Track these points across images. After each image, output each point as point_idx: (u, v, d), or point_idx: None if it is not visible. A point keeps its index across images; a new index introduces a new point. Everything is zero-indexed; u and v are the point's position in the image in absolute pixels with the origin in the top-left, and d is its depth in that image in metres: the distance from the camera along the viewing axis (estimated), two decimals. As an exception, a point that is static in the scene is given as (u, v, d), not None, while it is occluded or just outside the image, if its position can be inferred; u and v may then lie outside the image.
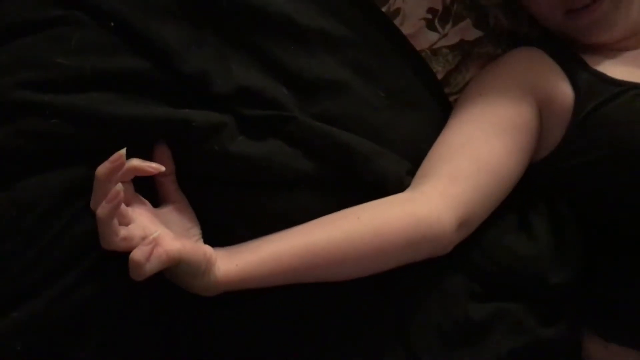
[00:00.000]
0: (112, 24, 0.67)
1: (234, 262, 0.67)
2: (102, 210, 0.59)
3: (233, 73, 0.71)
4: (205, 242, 0.69)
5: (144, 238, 0.61)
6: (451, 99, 0.91)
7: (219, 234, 0.71)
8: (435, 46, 0.90)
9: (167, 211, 0.68)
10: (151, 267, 0.60)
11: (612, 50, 0.87)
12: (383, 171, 0.76)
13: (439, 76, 0.90)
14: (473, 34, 0.93)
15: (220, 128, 0.69)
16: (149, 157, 0.66)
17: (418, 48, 0.88)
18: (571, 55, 0.86)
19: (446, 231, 0.74)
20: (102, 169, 0.60)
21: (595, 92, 0.80)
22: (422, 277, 0.75)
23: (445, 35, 0.91)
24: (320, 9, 0.79)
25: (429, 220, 0.72)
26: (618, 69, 0.83)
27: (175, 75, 0.69)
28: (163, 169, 0.65)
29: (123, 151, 0.60)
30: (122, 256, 0.61)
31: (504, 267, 0.78)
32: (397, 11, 0.87)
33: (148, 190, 0.68)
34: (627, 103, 0.78)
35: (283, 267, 0.68)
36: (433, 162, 0.79)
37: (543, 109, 0.82)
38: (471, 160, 0.78)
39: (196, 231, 0.69)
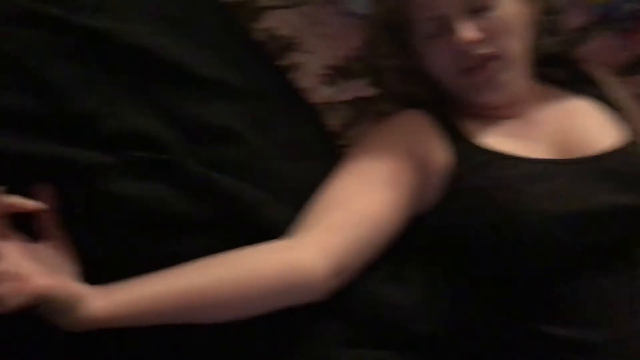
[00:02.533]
0: (4, 61, 0.69)
1: (108, 301, 0.69)
2: None
3: (123, 115, 0.74)
4: (87, 279, 0.71)
5: (13, 273, 0.62)
6: (343, 151, 0.96)
7: (97, 271, 0.72)
8: (331, 101, 0.96)
9: (44, 247, 0.69)
10: (15, 302, 0.61)
11: (493, 117, 0.95)
12: (268, 219, 0.80)
13: (334, 129, 0.96)
14: (369, 91, 1.00)
15: (105, 169, 0.72)
16: (31, 193, 0.68)
17: (315, 102, 0.94)
18: (454, 122, 0.93)
19: (320, 279, 0.77)
20: None
21: (470, 159, 0.87)
22: (296, 321, 0.79)
23: (341, 91, 0.97)
24: (220, 60, 0.83)
25: (303, 268, 0.76)
26: (495, 139, 0.90)
27: (64, 115, 0.71)
28: (42, 207, 0.67)
29: (2, 188, 0.62)
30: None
31: (376, 315, 0.83)
32: (296, 66, 0.92)
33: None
34: (494, 171, 0.85)
35: (158, 309, 0.71)
36: (315, 212, 0.83)
37: (422, 170, 0.88)
38: (350, 212, 0.83)
39: (72, 268, 0.71)
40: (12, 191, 0.64)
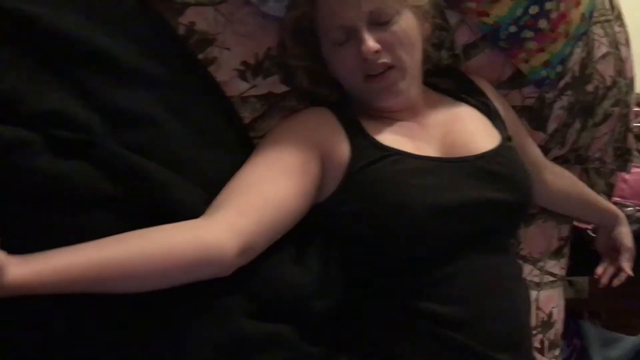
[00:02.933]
0: None
1: (26, 269, 0.72)
2: None
3: (45, 96, 0.78)
4: (6, 249, 0.74)
5: None
6: (255, 142, 1.03)
7: (17, 243, 0.75)
8: (244, 94, 1.02)
9: (-37, 218, 0.72)
10: None
11: (390, 119, 1.05)
12: (179, 199, 0.86)
13: (246, 121, 1.03)
14: (280, 88, 1.06)
15: (26, 144, 0.75)
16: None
17: (229, 94, 1.00)
18: (355, 121, 1.02)
19: (228, 256, 0.84)
20: None
21: (366, 154, 0.97)
22: (201, 294, 0.85)
23: (254, 86, 1.03)
24: (140, 50, 0.88)
25: (213, 245, 0.83)
26: (389, 137, 1.01)
27: (-13, 92, 0.74)
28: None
29: None
30: None
31: (277, 291, 0.91)
32: (213, 60, 0.98)
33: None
34: (384, 166, 0.95)
35: (73, 278, 0.74)
36: (226, 195, 0.90)
37: (324, 162, 0.97)
38: (259, 196, 0.90)
39: (-9, 238, 0.74)
40: None
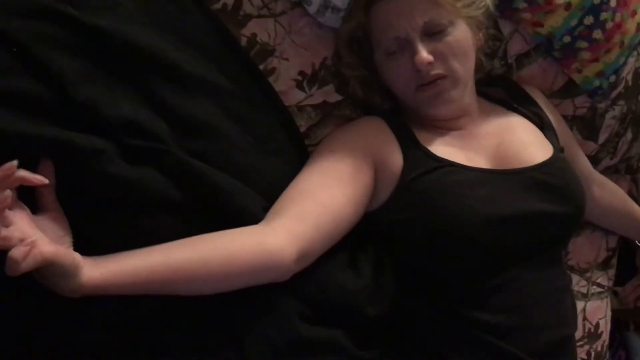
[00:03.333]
0: (15, 49, 0.76)
1: (99, 271, 0.76)
2: None
3: (120, 106, 0.82)
4: (75, 250, 0.78)
5: (21, 240, 0.69)
6: (310, 149, 1.06)
7: (89, 245, 0.79)
8: (301, 104, 1.05)
9: (44, 218, 0.76)
10: (26, 265, 0.68)
11: (442, 128, 1.07)
12: (241, 206, 0.89)
13: (302, 129, 1.06)
14: (334, 97, 1.09)
15: (101, 151, 0.79)
16: (33, 169, 0.75)
17: (287, 104, 1.03)
18: (407, 130, 1.04)
19: (287, 262, 0.87)
20: None
21: (419, 164, 0.99)
22: (260, 298, 0.88)
23: (310, 96, 1.06)
24: (205, 61, 0.92)
25: (274, 251, 0.86)
26: (442, 148, 1.02)
27: (67, 102, 0.78)
28: (46, 181, 0.74)
29: (15, 162, 0.68)
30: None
31: (331, 296, 0.93)
32: (273, 70, 1.02)
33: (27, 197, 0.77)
34: (438, 176, 0.97)
35: (141, 280, 0.78)
36: (284, 202, 0.94)
37: (377, 171, 1.00)
38: (316, 204, 0.93)
39: (68, 239, 0.78)
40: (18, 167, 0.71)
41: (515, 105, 1.16)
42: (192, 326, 0.85)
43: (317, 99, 1.07)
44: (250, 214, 0.90)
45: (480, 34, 1.09)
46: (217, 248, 0.84)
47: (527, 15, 1.17)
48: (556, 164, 1.04)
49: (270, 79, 1.01)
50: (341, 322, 0.94)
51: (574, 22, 1.19)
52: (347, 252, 0.98)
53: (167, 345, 0.84)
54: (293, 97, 1.04)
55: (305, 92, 1.05)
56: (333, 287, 0.93)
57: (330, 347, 0.91)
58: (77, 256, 0.75)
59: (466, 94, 1.06)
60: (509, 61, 1.22)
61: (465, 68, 1.04)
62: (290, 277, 0.90)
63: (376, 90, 1.10)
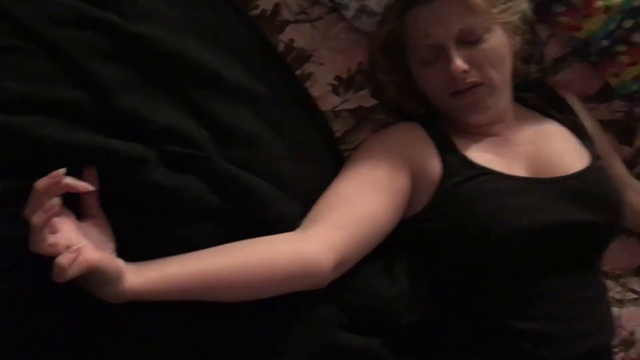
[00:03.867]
0: (61, 58, 0.77)
1: (141, 277, 0.77)
2: (37, 218, 0.68)
3: (162, 114, 0.82)
4: (118, 255, 0.79)
5: (68, 246, 0.70)
6: (345, 154, 1.06)
7: (131, 251, 0.80)
8: (336, 108, 1.06)
9: (88, 225, 0.77)
10: (72, 272, 0.69)
11: (478, 134, 1.05)
12: (279, 213, 0.89)
13: (337, 134, 1.06)
14: (370, 102, 1.09)
15: (144, 159, 0.80)
16: (78, 177, 0.76)
17: (323, 109, 1.03)
18: (445, 136, 1.03)
19: (324, 270, 0.88)
20: (41, 183, 0.69)
21: (457, 172, 0.97)
22: (297, 304, 0.88)
23: (346, 100, 1.06)
24: (244, 68, 0.92)
25: (312, 259, 0.86)
26: (480, 155, 1.01)
27: (110, 110, 0.79)
28: (92, 188, 0.75)
29: (62, 170, 0.70)
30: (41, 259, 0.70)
31: (367, 303, 0.93)
32: (309, 75, 1.02)
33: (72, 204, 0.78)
34: (477, 185, 0.96)
35: (181, 287, 0.79)
36: (321, 209, 0.94)
37: (415, 178, 0.99)
38: (352, 211, 0.93)
39: (111, 245, 0.79)
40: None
41: (551, 111, 1.14)
42: (229, 332, 0.85)
43: (352, 103, 1.07)
44: (287, 221, 0.90)
45: (517, 39, 1.07)
46: (256, 255, 0.84)
47: (565, 19, 1.16)
48: (594, 173, 1.02)
49: (307, 84, 1.01)
50: (377, 329, 0.94)
51: (612, 26, 1.17)
52: (382, 259, 0.98)
53: (203, 351, 0.85)
54: (329, 102, 1.04)
55: (340, 97, 1.05)
56: (369, 294, 0.93)
57: (367, 354, 0.91)
58: (120, 262, 0.76)
59: (502, 101, 1.05)
60: (545, 65, 1.20)
61: (501, 75, 1.02)
62: (327, 284, 0.90)
63: (412, 95, 1.09)
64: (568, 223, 0.95)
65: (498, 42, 1.01)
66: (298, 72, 1.00)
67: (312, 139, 1.00)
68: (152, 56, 0.83)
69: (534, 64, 1.19)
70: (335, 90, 1.04)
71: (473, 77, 0.99)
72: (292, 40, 0.99)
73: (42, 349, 0.78)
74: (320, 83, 1.03)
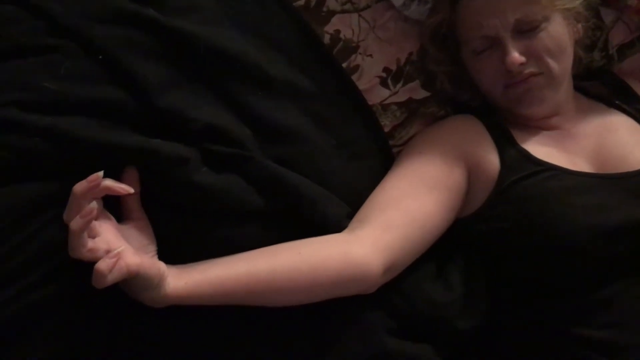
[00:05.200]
0: (101, 57, 0.75)
1: (183, 280, 0.75)
2: (75, 223, 0.66)
3: (204, 112, 0.79)
4: (159, 258, 0.77)
5: (107, 251, 0.68)
6: (395, 150, 1.01)
7: (173, 253, 0.78)
8: (385, 102, 1.00)
9: (129, 227, 0.75)
10: (113, 277, 0.67)
11: (538, 128, 0.99)
12: (325, 213, 0.85)
13: (386, 129, 1.01)
14: (421, 94, 1.03)
15: (186, 159, 0.77)
16: (118, 178, 0.74)
17: (370, 102, 0.98)
18: (503, 129, 0.97)
19: (374, 273, 0.83)
20: (79, 186, 0.67)
21: (517, 167, 0.91)
22: (345, 309, 0.85)
23: (395, 93, 1.01)
24: (288, 62, 0.88)
25: (361, 262, 0.82)
26: (540, 149, 0.94)
27: (151, 109, 0.77)
28: (132, 191, 0.72)
29: (101, 173, 0.67)
30: (81, 264, 0.68)
31: (419, 310, 0.89)
32: (356, 68, 0.97)
33: (113, 206, 0.76)
34: (540, 182, 0.89)
35: (226, 290, 0.76)
36: (370, 209, 0.89)
37: (471, 174, 0.93)
38: (403, 212, 0.88)
39: (152, 248, 0.77)
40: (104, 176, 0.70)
41: (616, 102, 1.06)
42: (275, 338, 0.83)
43: (402, 96, 1.02)
44: (334, 222, 0.86)
45: (579, 26, 1.00)
46: (302, 258, 0.80)
47: (633, 2, 1.07)
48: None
49: (354, 77, 0.96)
50: (430, 336, 0.89)
51: (685, 8, 1.08)
52: (434, 262, 0.93)
53: (248, 357, 0.82)
54: (377, 95, 1.00)
55: (389, 89, 1.01)
56: (421, 300, 0.89)
57: (418, 362, 0.87)
58: (162, 266, 0.74)
59: (561, 92, 0.98)
60: (610, 52, 1.13)
61: (561, 65, 0.95)
62: (376, 289, 0.85)
63: (466, 86, 1.04)
64: (637, 222, 0.88)
65: (557, 30, 0.95)
66: (344, 65, 0.96)
67: (359, 136, 0.95)
68: (193, 51, 0.79)
69: (597, 51, 1.12)
70: (383, 83, 1.00)
71: (530, 68, 0.93)
72: (338, 31, 0.94)
73: (83, 355, 0.77)
74: (368, 75, 0.98)
